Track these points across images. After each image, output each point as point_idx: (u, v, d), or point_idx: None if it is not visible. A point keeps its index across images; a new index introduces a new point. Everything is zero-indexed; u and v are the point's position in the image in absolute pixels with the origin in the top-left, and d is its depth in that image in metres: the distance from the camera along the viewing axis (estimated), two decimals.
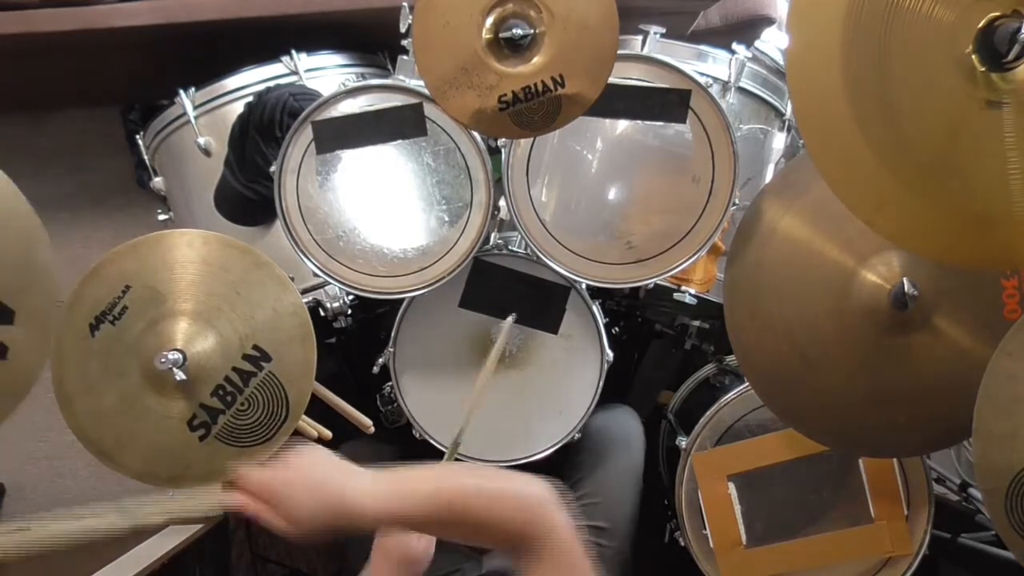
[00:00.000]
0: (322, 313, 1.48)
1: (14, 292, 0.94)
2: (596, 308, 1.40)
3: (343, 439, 1.55)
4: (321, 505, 0.79)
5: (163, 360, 1.07)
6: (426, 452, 1.43)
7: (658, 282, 1.32)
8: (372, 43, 1.65)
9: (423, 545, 1.08)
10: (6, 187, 0.93)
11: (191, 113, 1.48)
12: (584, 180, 1.31)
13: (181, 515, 0.87)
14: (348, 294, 1.46)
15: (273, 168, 1.25)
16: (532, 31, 1.07)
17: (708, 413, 1.43)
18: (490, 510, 0.80)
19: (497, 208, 1.32)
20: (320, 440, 1.40)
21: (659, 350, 1.75)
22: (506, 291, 1.39)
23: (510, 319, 1.35)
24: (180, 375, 1.07)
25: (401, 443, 1.57)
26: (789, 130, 1.54)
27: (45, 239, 0.96)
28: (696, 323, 1.62)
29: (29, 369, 0.96)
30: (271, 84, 1.47)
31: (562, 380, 1.44)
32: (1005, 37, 0.77)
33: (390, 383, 1.45)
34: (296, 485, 0.80)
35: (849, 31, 0.83)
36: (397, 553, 1.06)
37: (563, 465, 1.52)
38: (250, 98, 1.45)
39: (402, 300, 1.37)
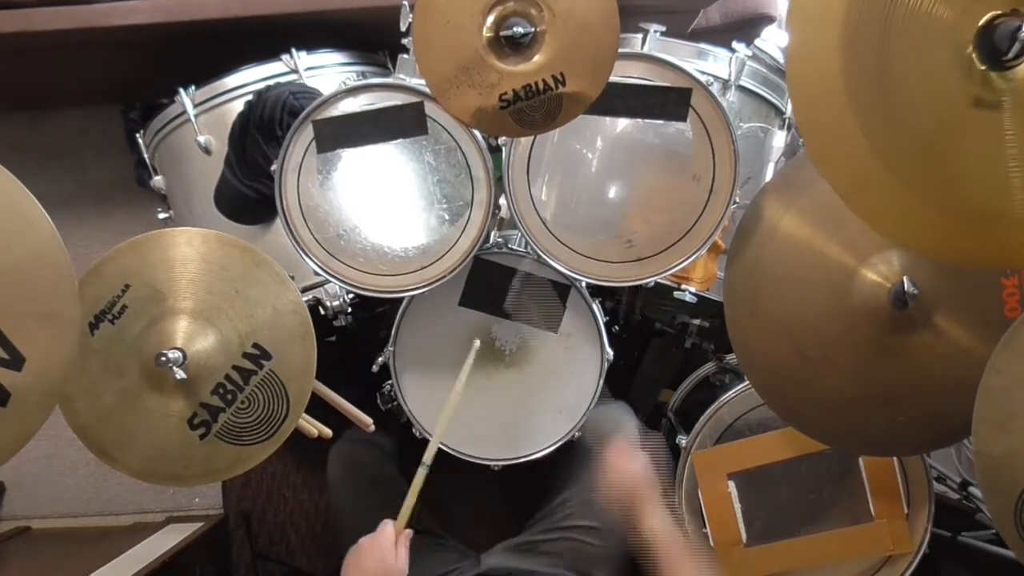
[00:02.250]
0: (322, 311, 1.48)
1: (31, 340, 0.87)
2: (596, 306, 1.40)
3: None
4: None
5: (163, 359, 1.07)
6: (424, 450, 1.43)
7: (658, 280, 1.32)
8: (372, 41, 1.65)
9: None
10: (49, 234, 0.88)
11: (191, 111, 1.48)
12: (584, 178, 1.31)
13: None
14: (348, 292, 1.46)
15: (274, 167, 1.25)
16: (533, 29, 1.07)
17: (708, 411, 1.43)
18: None
19: (498, 207, 1.32)
20: (320, 439, 1.40)
21: (659, 349, 1.75)
22: (506, 290, 1.39)
23: (476, 343, 1.38)
24: (180, 374, 1.07)
25: (401, 441, 1.57)
26: (789, 128, 1.54)
27: (75, 293, 0.90)
28: (696, 321, 1.62)
29: (27, 423, 0.90)
30: (271, 82, 1.47)
31: (562, 379, 1.44)
32: (1005, 35, 0.77)
33: (390, 381, 1.45)
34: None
35: (849, 29, 0.82)
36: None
37: (557, 461, 1.51)
38: (250, 96, 1.45)
39: (402, 299, 1.37)
